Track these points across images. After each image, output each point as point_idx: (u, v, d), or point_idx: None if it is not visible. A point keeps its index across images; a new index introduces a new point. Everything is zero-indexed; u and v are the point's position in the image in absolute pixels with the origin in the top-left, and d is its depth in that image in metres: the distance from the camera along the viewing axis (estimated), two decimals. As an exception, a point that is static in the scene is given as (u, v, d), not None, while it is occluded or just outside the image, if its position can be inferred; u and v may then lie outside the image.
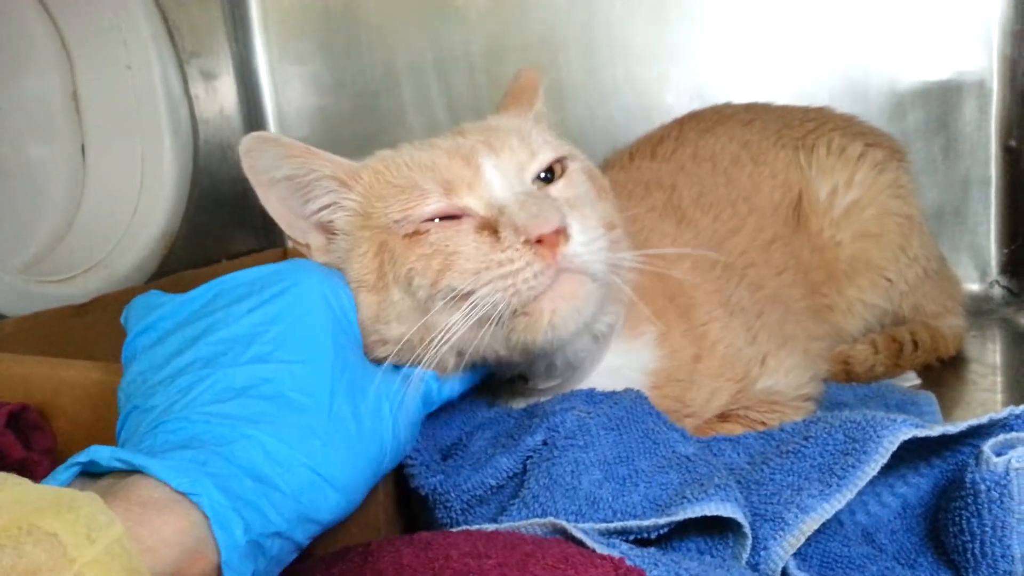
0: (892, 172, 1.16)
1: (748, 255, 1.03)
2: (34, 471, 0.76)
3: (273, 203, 0.74)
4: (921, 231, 1.18)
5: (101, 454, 0.51)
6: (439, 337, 0.66)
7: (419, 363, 0.68)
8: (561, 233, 0.65)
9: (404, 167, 0.72)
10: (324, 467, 0.57)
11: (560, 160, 0.75)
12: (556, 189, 0.73)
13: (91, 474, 0.52)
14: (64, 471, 0.52)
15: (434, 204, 0.69)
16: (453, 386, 0.74)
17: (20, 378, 0.81)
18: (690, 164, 1.11)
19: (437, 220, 0.69)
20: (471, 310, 0.65)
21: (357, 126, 1.73)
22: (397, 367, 0.69)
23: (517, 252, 0.64)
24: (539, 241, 0.64)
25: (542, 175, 0.74)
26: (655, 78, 1.58)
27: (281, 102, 1.76)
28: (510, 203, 0.67)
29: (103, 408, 0.79)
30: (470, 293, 0.65)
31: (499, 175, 0.70)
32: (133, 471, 0.50)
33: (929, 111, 1.45)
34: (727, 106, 1.25)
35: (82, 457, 0.52)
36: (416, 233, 0.69)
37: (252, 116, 1.73)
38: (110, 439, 0.79)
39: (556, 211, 0.65)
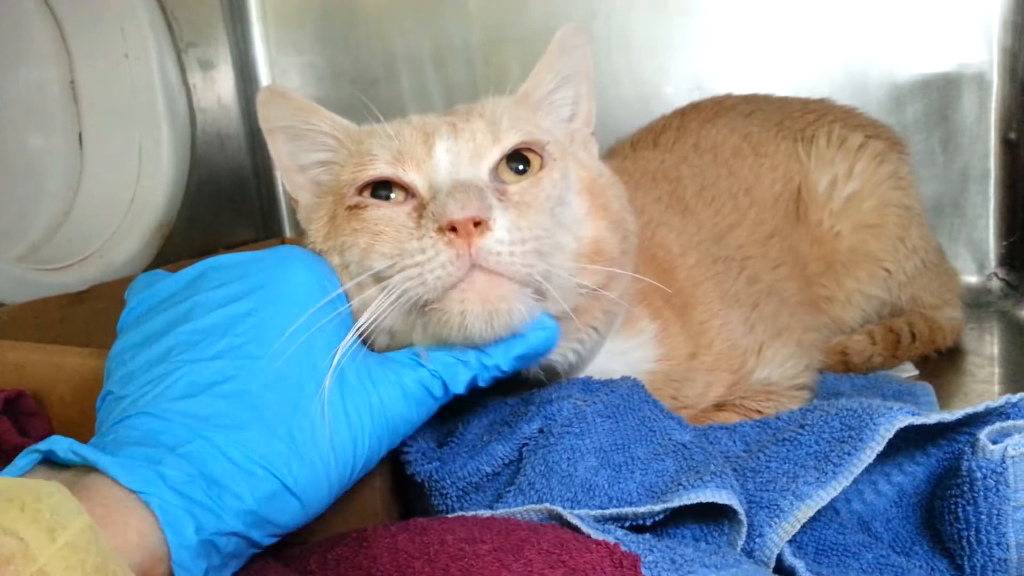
0: (892, 163, 1.16)
1: (747, 248, 1.03)
2: (30, 457, 0.76)
3: (276, 146, 0.76)
4: (920, 223, 1.18)
5: (59, 446, 0.51)
6: (367, 315, 0.64)
7: (361, 336, 0.65)
8: (480, 224, 0.61)
9: (379, 134, 0.72)
10: (285, 474, 0.55)
11: (531, 149, 0.70)
12: (517, 187, 0.68)
13: (52, 463, 0.52)
14: (23, 458, 0.51)
15: (377, 170, 0.68)
16: (461, 377, 0.68)
17: (16, 365, 0.81)
18: (692, 155, 1.10)
19: (384, 198, 0.68)
20: (387, 294, 0.63)
21: (355, 116, 1.71)
22: (389, 362, 0.66)
23: (430, 240, 0.62)
24: (453, 229, 0.61)
25: (518, 168, 0.70)
26: (655, 69, 1.58)
27: (279, 91, 1.75)
28: (443, 188, 0.64)
29: (98, 395, 0.79)
30: (388, 277, 0.64)
31: (449, 159, 0.68)
32: (92, 466, 0.50)
33: (929, 103, 1.45)
34: (728, 97, 1.25)
35: (42, 446, 0.52)
36: (357, 207, 0.68)
37: (250, 106, 1.72)
38: (106, 426, 0.79)
39: (479, 199, 0.61)
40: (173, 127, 1.45)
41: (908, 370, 1.14)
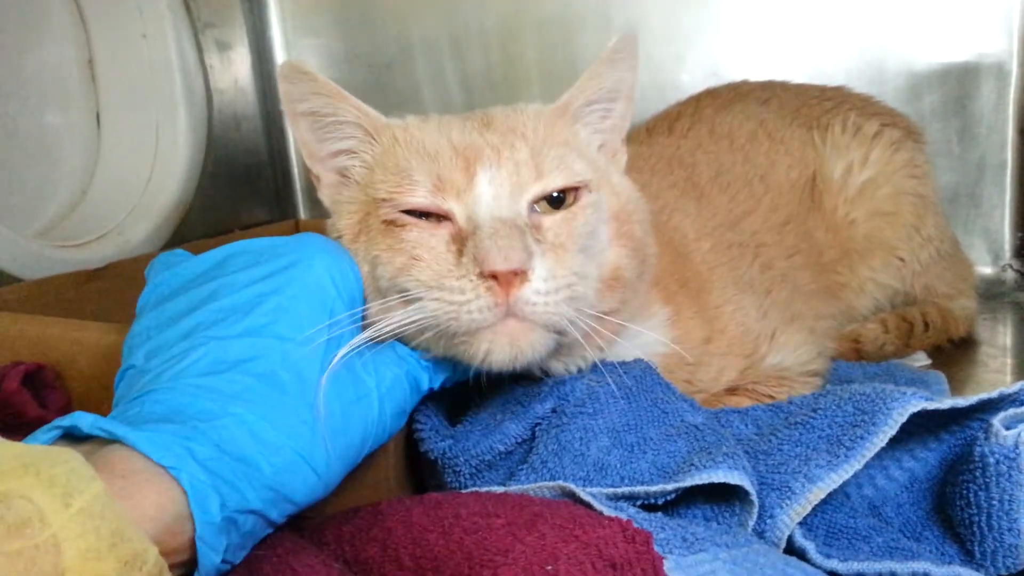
0: (908, 152, 1.16)
1: (761, 235, 1.03)
2: (49, 429, 0.77)
3: (299, 131, 0.76)
4: (935, 212, 1.18)
5: (83, 421, 0.52)
6: (385, 323, 0.66)
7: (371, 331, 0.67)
8: (519, 275, 0.62)
9: (415, 146, 0.71)
10: (307, 450, 0.56)
11: (572, 189, 0.71)
12: (552, 220, 0.69)
13: (73, 438, 0.52)
14: (45, 432, 0.52)
15: (419, 199, 0.68)
16: (443, 377, 0.72)
17: (36, 338, 0.82)
18: (708, 141, 1.10)
19: (420, 216, 0.68)
20: (415, 315, 0.65)
21: (370, 99, 1.70)
22: (390, 351, 0.68)
23: (470, 283, 0.63)
24: (495, 276, 0.62)
25: (553, 195, 0.70)
26: (671, 57, 1.57)
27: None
28: (484, 227, 0.65)
29: (118, 369, 0.80)
30: (419, 299, 0.65)
31: (491, 191, 0.67)
32: (114, 440, 0.51)
33: (946, 93, 1.44)
34: (744, 84, 1.25)
35: (65, 421, 0.52)
36: (395, 223, 0.68)
37: (266, 88, 1.73)
38: (124, 399, 0.80)
39: (522, 249, 0.62)
40: (190, 107, 1.46)
41: (921, 359, 1.14)
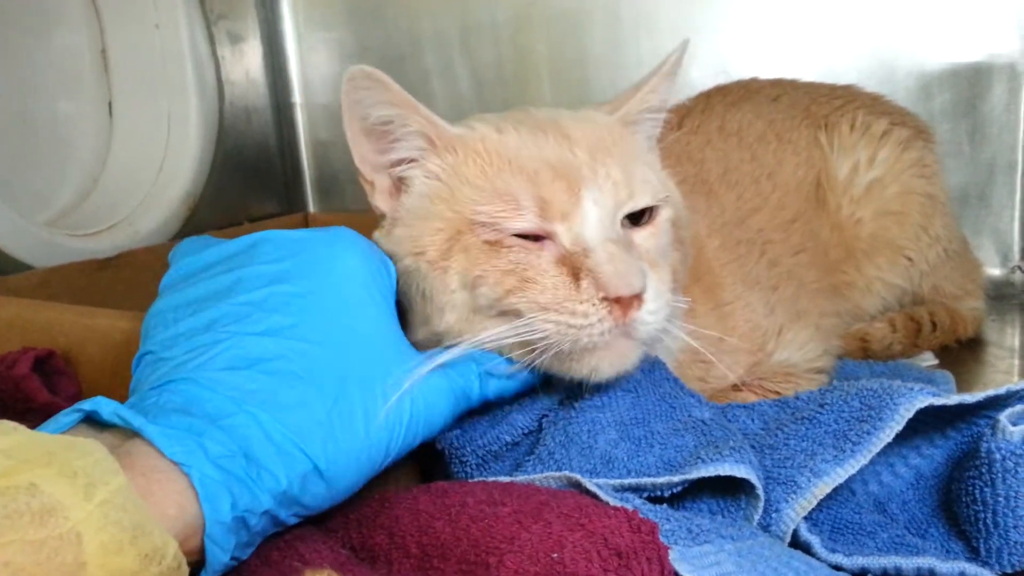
0: (917, 151, 1.15)
1: (767, 232, 1.03)
2: (58, 415, 0.78)
3: (357, 138, 0.73)
4: (944, 212, 1.17)
5: (104, 407, 0.51)
6: (482, 337, 0.67)
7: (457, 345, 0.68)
8: (637, 298, 0.65)
9: (505, 164, 0.69)
10: (320, 458, 0.55)
11: (657, 204, 0.72)
12: (641, 236, 0.71)
13: (93, 423, 0.52)
14: (67, 415, 0.52)
15: (526, 224, 0.67)
16: (500, 387, 0.70)
17: (47, 324, 0.83)
18: (716, 138, 1.10)
19: (522, 236, 0.68)
20: (523, 331, 0.65)
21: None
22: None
23: (593, 308, 0.64)
24: (617, 300, 0.64)
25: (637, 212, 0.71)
26: (681, 53, 1.57)
27: (306, 66, 1.77)
28: (597, 250, 0.65)
29: (128, 356, 0.79)
30: (528, 318, 0.65)
31: (596, 212, 0.67)
32: (132, 431, 0.50)
33: (957, 93, 1.44)
34: (754, 81, 1.25)
35: (86, 405, 0.52)
36: (499, 243, 0.67)
37: (277, 80, 1.74)
38: (133, 386, 0.81)
39: (640, 273, 0.65)
40: (202, 98, 1.46)
41: (928, 359, 1.14)
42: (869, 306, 1.16)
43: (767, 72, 1.29)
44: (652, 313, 0.66)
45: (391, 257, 0.71)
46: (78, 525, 0.41)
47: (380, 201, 0.75)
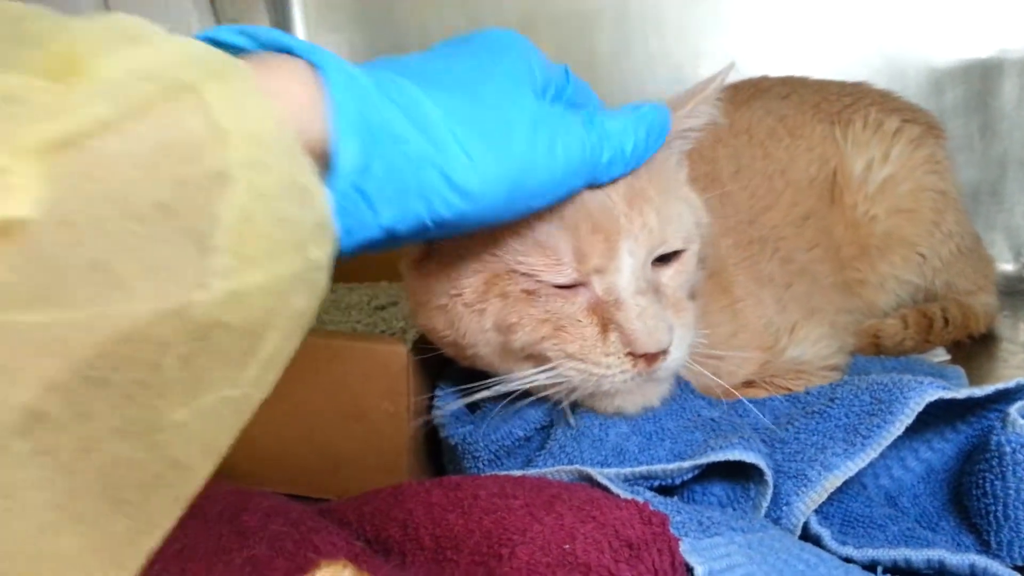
0: (928, 148, 1.15)
1: (780, 229, 1.03)
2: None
3: None
4: (956, 208, 1.17)
5: (224, 31, 0.46)
6: (512, 378, 0.69)
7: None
8: (664, 352, 0.66)
9: (547, 211, 0.66)
10: (476, 152, 0.50)
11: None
12: (667, 275, 0.71)
13: None
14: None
15: (565, 278, 0.67)
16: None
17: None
18: (727, 136, 1.10)
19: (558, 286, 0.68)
20: (550, 374, 0.67)
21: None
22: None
23: (618, 360, 0.65)
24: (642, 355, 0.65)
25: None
26: (689, 53, 1.57)
27: (317, 69, 1.78)
28: (627, 302, 0.66)
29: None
30: (555, 364, 0.67)
31: (630, 263, 0.67)
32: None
33: (969, 89, 1.43)
34: (764, 79, 1.25)
35: (203, 34, 0.46)
36: (535, 293, 0.68)
37: (288, 83, 1.74)
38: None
39: (667, 329, 0.65)
40: (213, 102, 1.47)
41: (940, 355, 1.13)
42: (883, 303, 1.16)
43: (777, 71, 1.29)
44: (675, 360, 0.68)
45: (424, 289, 0.72)
46: (239, 142, 0.37)
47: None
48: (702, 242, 0.75)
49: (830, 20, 1.48)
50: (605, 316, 0.66)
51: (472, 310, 0.69)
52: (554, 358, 0.67)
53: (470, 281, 0.69)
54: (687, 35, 1.55)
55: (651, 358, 0.65)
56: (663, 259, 0.71)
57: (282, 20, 1.74)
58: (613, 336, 0.65)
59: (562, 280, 0.67)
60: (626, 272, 0.67)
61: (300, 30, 1.76)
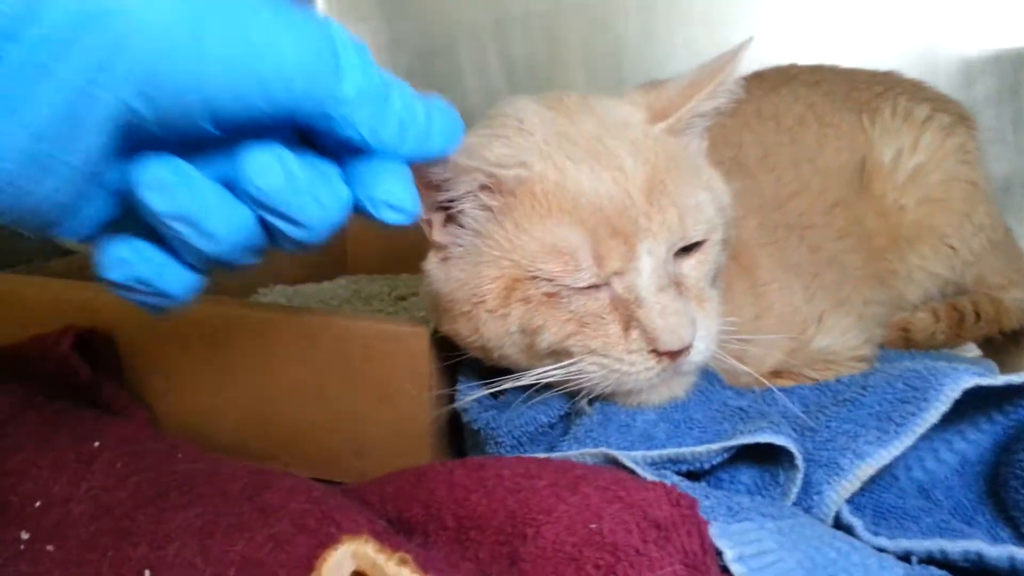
0: (959, 137, 1.13)
1: (808, 217, 1.01)
2: (99, 393, 0.79)
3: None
4: (987, 200, 1.15)
5: None
6: (534, 372, 0.68)
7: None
8: (688, 347, 0.65)
9: (565, 216, 0.66)
10: None
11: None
12: (689, 266, 0.70)
13: None
14: None
15: (584, 282, 0.66)
16: None
17: (88, 303, 0.84)
18: (754, 121, 1.09)
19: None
20: (572, 369, 0.67)
21: (413, 86, 1.73)
22: None
23: (641, 357, 0.65)
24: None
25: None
26: (715, 42, 1.53)
27: (340, 59, 1.78)
28: (648, 300, 0.65)
29: (167, 335, 0.81)
30: (578, 359, 0.66)
31: (650, 262, 0.66)
32: None
33: (1000, 79, 1.41)
34: (792, 67, 1.23)
35: None
36: (558, 296, 0.67)
37: (312, 73, 1.74)
38: (173, 365, 0.82)
39: (690, 324, 0.64)
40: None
41: (972, 350, 1.12)
42: (912, 295, 1.14)
43: (804, 61, 1.27)
44: (700, 352, 0.67)
45: (446, 296, 0.71)
46: None
47: (439, 236, 0.73)
48: (725, 225, 0.73)
49: (859, 10, 1.46)
50: (627, 313, 0.65)
51: (495, 315, 0.68)
52: (577, 353, 0.66)
53: (490, 287, 0.68)
54: (713, 23, 1.53)
55: (675, 354, 0.65)
56: (685, 249, 0.69)
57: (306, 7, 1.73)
58: (635, 334, 0.65)
59: (582, 284, 0.66)
60: (646, 272, 0.66)
61: (324, 20, 1.76)
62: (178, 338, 0.81)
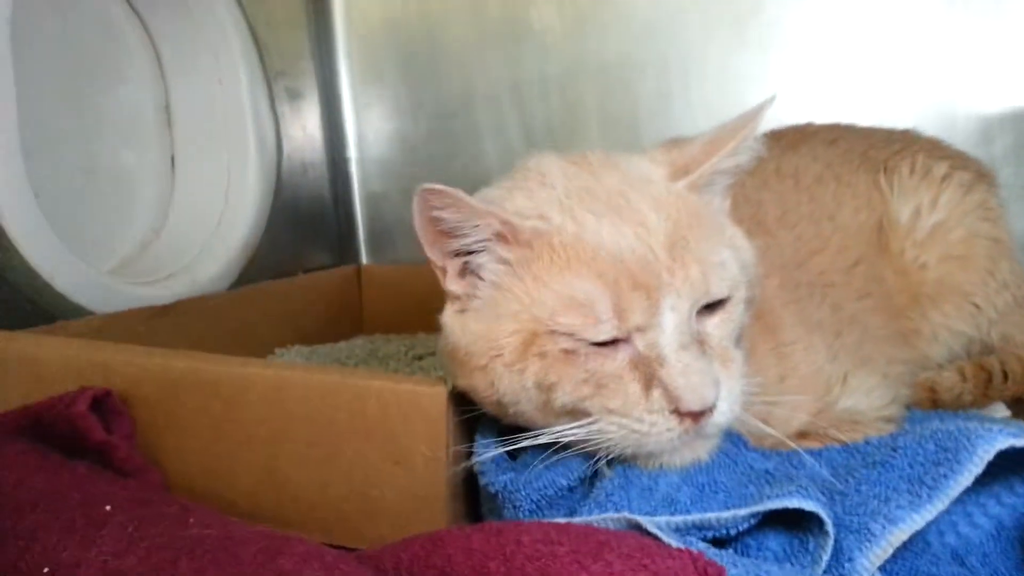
0: (980, 194, 1.12)
1: (829, 275, 1.00)
2: (112, 455, 0.78)
3: (425, 235, 0.70)
4: (1011, 257, 1.13)
5: None
6: (552, 431, 0.67)
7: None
8: (711, 408, 0.64)
9: (583, 268, 0.65)
10: None
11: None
12: (712, 324, 0.68)
13: None
14: None
15: (604, 336, 0.65)
16: None
17: (104, 365, 0.84)
18: (773, 180, 1.08)
19: (600, 344, 0.66)
20: (590, 428, 0.65)
21: (433, 147, 1.77)
22: None
23: (663, 418, 0.63)
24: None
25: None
26: (731, 103, 1.54)
27: (361, 122, 1.81)
28: (670, 358, 0.63)
29: (181, 394, 0.81)
30: (596, 419, 0.65)
31: (673, 319, 0.65)
32: None
33: (1019, 136, 1.40)
34: (809, 125, 1.23)
35: None
36: (574, 352, 0.65)
37: (333, 135, 1.78)
38: (188, 426, 0.81)
39: (713, 385, 0.63)
40: (261, 153, 1.50)
41: (1000, 411, 1.09)
42: (936, 355, 1.12)
43: (821, 120, 1.27)
44: (725, 414, 0.65)
45: (463, 349, 0.70)
46: None
47: (453, 285, 0.72)
48: (749, 284, 0.72)
49: (876, 69, 1.46)
50: (648, 373, 0.64)
51: (512, 370, 0.67)
52: (595, 413, 0.65)
53: (508, 341, 0.67)
54: (728, 85, 1.55)
55: (697, 415, 0.63)
56: (708, 307, 0.68)
57: (328, 74, 1.77)
58: (656, 393, 0.63)
59: (602, 338, 0.64)
60: (669, 328, 0.64)
61: (345, 83, 1.79)
62: (193, 399, 0.80)
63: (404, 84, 1.78)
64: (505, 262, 0.69)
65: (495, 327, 0.68)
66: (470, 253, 0.70)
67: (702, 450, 0.68)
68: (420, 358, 1.27)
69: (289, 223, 1.60)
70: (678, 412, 0.63)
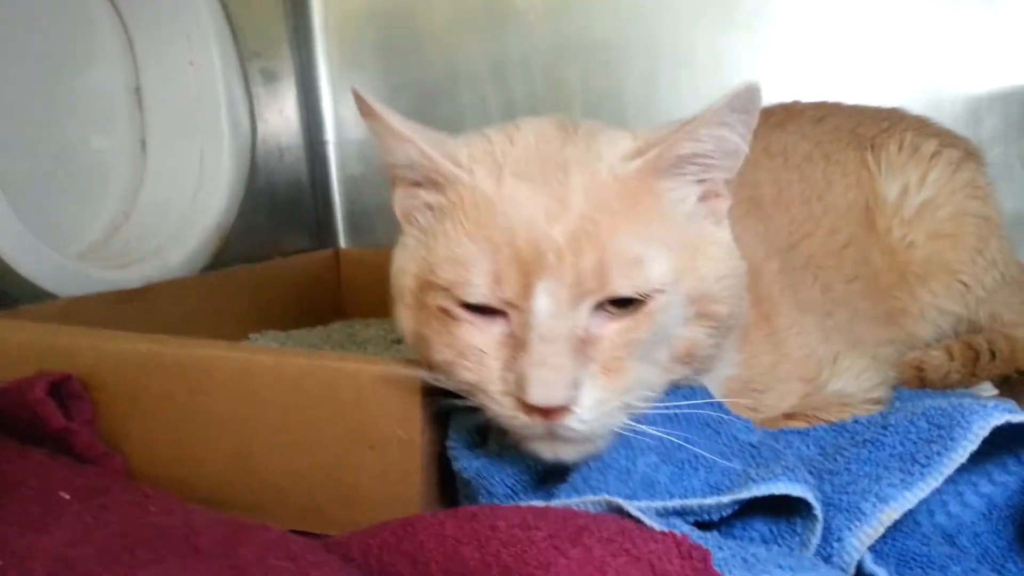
0: (969, 172, 1.11)
1: (819, 258, 0.98)
2: (72, 441, 0.75)
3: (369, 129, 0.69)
4: (999, 235, 1.12)
5: None
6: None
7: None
8: (563, 409, 0.58)
9: (477, 229, 0.62)
10: None
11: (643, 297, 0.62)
12: (612, 330, 0.61)
13: None
14: None
15: (476, 299, 0.62)
16: None
17: (64, 349, 0.81)
18: (763, 159, 1.06)
19: (476, 310, 0.62)
20: (472, 401, 0.64)
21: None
22: None
23: (511, 401, 0.60)
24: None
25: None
26: (717, 85, 1.52)
27: (339, 104, 1.77)
28: (532, 345, 0.58)
29: (145, 379, 0.78)
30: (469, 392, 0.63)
31: (548, 304, 0.59)
32: None
33: (1007, 117, 1.39)
34: (796, 103, 1.21)
35: None
36: (448, 313, 0.63)
37: (310, 118, 1.74)
38: (152, 412, 0.78)
39: (564, 387, 0.57)
40: (235, 135, 1.46)
41: (988, 390, 1.08)
42: (923, 334, 1.10)
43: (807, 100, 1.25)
44: (585, 422, 0.59)
45: (390, 281, 0.70)
46: None
47: (396, 206, 0.71)
48: (707, 298, 0.65)
49: (864, 50, 1.45)
50: (513, 355, 0.60)
51: (407, 316, 0.68)
52: (456, 385, 0.63)
53: (407, 283, 0.68)
54: (716, 67, 1.53)
55: (547, 412, 0.58)
56: (620, 307, 0.61)
57: (306, 58, 1.74)
58: (511, 376, 0.60)
59: (472, 300, 0.61)
60: (540, 313, 0.59)
61: (323, 65, 1.76)
62: (157, 383, 0.77)
63: (384, 65, 1.75)
64: (429, 207, 0.68)
65: (407, 267, 0.68)
66: (413, 185, 0.69)
67: (563, 452, 0.62)
68: (399, 342, 1.25)
69: (265, 207, 1.57)
70: (523, 403, 0.58)
